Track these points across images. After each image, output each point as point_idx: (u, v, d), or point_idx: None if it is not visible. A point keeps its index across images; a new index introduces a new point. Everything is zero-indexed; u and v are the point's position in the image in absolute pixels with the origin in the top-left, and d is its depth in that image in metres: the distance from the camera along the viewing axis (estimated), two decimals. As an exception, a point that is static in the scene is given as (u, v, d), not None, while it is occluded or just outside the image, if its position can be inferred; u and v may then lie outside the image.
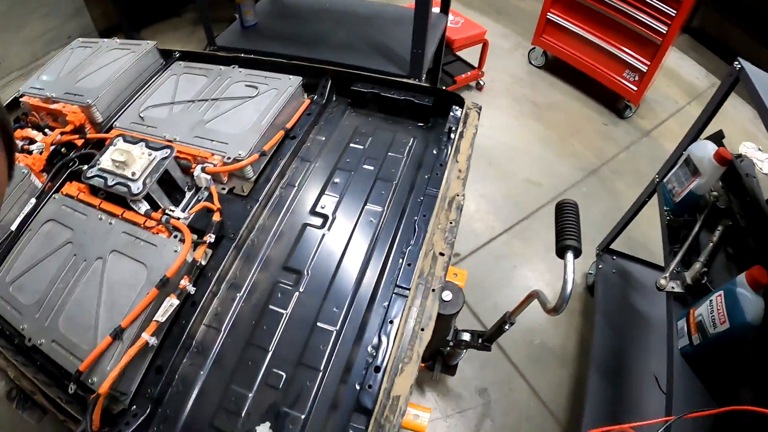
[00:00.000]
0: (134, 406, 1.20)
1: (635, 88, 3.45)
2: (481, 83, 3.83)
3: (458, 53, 3.70)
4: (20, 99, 1.88)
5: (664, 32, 3.13)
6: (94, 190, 1.57)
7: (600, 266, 2.43)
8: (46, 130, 1.83)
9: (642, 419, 1.67)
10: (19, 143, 1.81)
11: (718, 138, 1.94)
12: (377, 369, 1.15)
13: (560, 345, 2.19)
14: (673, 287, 1.71)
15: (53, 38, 4.39)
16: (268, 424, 1.17)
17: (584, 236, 2.54)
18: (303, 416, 1.16)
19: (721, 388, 1.51)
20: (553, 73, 3.76)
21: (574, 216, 1.27)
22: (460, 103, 1.75)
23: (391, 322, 1.22)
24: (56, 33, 4.41)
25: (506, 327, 1.44)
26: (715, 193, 1.87)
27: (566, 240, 1.22)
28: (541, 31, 3.79)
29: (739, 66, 1.68)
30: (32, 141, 1.80)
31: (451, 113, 1.71)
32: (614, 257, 2.50)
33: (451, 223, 1.39)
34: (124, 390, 1.21)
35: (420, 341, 1.18)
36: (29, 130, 1.83)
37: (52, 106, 1.78)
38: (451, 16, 3.32)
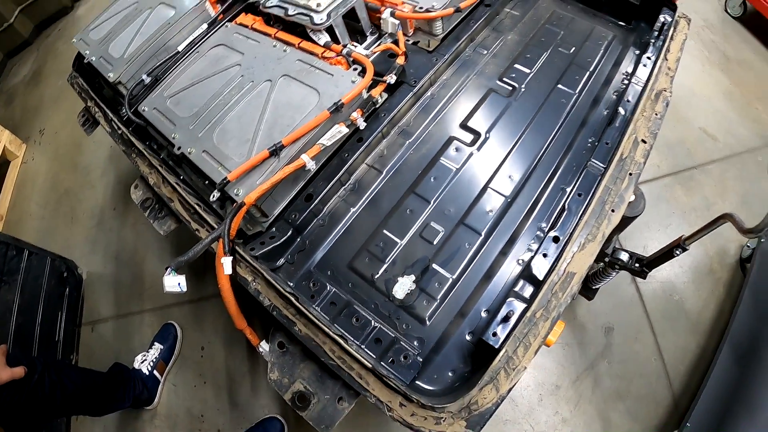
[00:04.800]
0: (273, 229, 1.18)
1: None
2: (671, 17, 3.25)
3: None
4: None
5: None
6: (268, 21, 1.54)
7: (762, 240, 2.10)
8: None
9: (758, 418, 1.48)
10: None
11: None
12: (556, 239, 1.01)
13: (697, 311, 1.93)
14: None
15: None
16: (413, 277, 1.09)
17: (750, 209, 2.24)
18: (452, 277, 1.07)
19: None
20: (750, 28, 3.17)
21: None
22: (673, 7, 1.48)
23: (580, 194, 1.06)
24: None
25: (677, 252, 1.23)
26: None
27: None
28: (745, -26, 3.21)
29: None
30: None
31: (661, 16, 1.45)
32: (779, 235, 2.15)
33: (656, 114, 1.19)
34: (267, 210, 1.18)
35: (608, 222, 1.02)
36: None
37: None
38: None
